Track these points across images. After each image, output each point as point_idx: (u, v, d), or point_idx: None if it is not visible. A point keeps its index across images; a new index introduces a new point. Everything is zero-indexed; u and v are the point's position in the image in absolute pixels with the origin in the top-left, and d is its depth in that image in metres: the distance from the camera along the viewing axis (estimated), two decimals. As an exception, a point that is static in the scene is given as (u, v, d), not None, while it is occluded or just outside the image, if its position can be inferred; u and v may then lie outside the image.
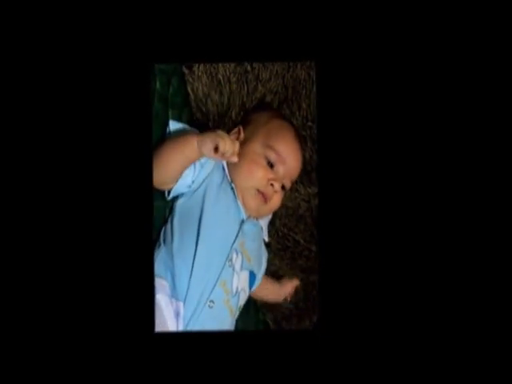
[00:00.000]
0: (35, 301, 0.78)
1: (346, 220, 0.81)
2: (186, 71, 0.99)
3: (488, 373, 0.79)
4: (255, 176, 0.92)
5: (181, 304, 0.86)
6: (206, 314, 0.87)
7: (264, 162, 0.93)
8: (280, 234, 1.08)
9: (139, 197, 0.80)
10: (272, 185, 0.92)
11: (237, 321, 0.95)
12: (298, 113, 1.04)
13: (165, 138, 0.91)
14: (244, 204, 0.93)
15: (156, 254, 0.89)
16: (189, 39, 0.82)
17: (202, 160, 0.90)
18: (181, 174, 0.89)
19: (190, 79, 0.99)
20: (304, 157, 1.00)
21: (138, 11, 0.80)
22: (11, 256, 0.77)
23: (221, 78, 1.00)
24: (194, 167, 0.90)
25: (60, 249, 0.78)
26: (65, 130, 0.79)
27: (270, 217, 1.04)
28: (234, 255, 0.91)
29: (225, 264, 0.89)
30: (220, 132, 0.85)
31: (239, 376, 0.80)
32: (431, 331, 0.80)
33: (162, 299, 0.85)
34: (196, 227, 0.88)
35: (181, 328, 0.86)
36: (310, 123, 1.04)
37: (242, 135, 0.93)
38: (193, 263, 0.87)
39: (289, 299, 1.08)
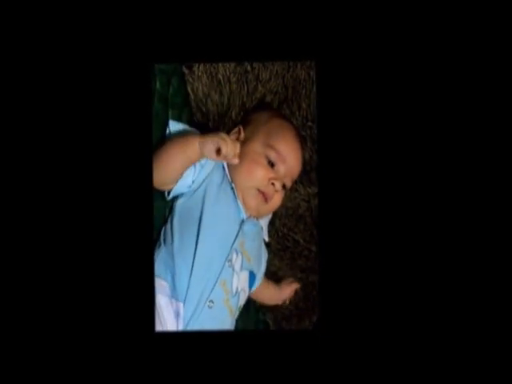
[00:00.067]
0: (35, 301, 0.78)
1: (346, 220, 0.81)
2: (186, 71, 0.98)
3: (488, 373, 0.79)
4: (256, 176, 0.92)
5: (181, 304, 0.86)
6: (205, 314, 0.87)
7: (265, 162, 0.93)
8: (280, 233, 1.08)
9: (139, 197, 0.80)
10: (273, 184, 0.92)
11: (237, 321, 0.95)
12: (297, 113, 1.04)
13: (165, 138, 0.91)
14: (244, 204, 0.93)
15: (156, 254, 0.89)
16: (189, 39, 0.82)
17: (202, 160, 0.90)
18: (181, 174, 0.89)
19: (190, 79, 0.99)
20: (304, 157, 1.00)
21: (138, 11, 0.80)
22: (12, 256, 0.77)
23: (221, 77, 1.00)
24: (194, 167, 0.90)
25: (60, 249, 0.78)
26: (65, 129, 0.79)
27: (270, 217, 1.04)
28: (234, 255, 0.91)
29: (224, 264, 0.89)
30: (222, 134, 0.85)
31: (239, 376, 0.80)
32: (431, 331, 0.80)
33: (162, 299, 0.85)
34: (196, 227, 0.88)
35: (181, 328, 0.86)
36: (309, 123, 1.03)
37: (243, 135, 0.93)
38: (193, 263, 0.87)
39: (288, 302, 1.09)
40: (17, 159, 0.78)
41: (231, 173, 0.93)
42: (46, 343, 0.77)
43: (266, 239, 1.03)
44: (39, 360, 0.77)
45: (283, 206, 1.01)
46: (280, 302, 1.08)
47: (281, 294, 1.07)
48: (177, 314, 0.86)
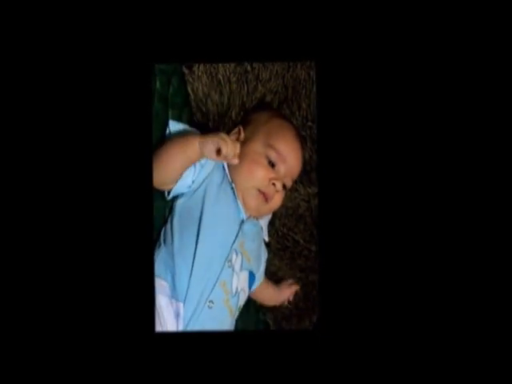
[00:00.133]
0: (36, 301, 0.78)
1: (346, 220, 0.81)
2: (186, 71, 0.98)
3: (488, 373, 0.80)
4: (256, 176, 0.92)
5: (181, 305, 0.86)
6: (205, 314, 0.87)
7: (265, 162, 0.93)
8: (279, 233, 1.08)
9: (139, 197, 0.80)
10: (274, 184, 0.92)
11: (237, 321, 0.95)
12: (297, 113, 1.04)
13: (165, 138, 0.91)
14: (244, 204, 0.93)
15: (156, 254, 0.89)
16: (189, 39, 0.82)
17: (202, 160, 0.90)
18: (181, 174, 0.89)
19: (190, 79, 0.99)
20: (304, 157, 1.00)
21: (138, 11, 0.80)
22: (12, 256, 0.77)
23: (221, 77, 1.00)
24: (194, 167, 0.90)
25: (60, 249, 0.78)
26: (65, 129, 0.79)
27: (269, 217, 1.04)
28: (234, 255, 0.91)
29: (224, 264, 0.89)
30: (222, 134, 0.85)
31: (239, 376, 0.80)
32: (431, 331, 0.80)
33: (162, 300, 0.85)
34: (196, 227, 0.88)
35: (181, 328, 0.86)
36: (309, 123, 1.04)
37: (243, 135, 0.93)
38: (193, 263, 0.87)
39: (286, 303, 1.09)
40: (17, 159, 0.78)
41: (231, 173, 0.93)
42: (46, 343, 0.77)
43: (266, 239, 1.03)
44: (39, 360, 0.77)
45: (283, 205, 1.01)
46: (279, 303, 1.08)
47: (280, 295, 1.07)
48: (177, 315, 0.86)
